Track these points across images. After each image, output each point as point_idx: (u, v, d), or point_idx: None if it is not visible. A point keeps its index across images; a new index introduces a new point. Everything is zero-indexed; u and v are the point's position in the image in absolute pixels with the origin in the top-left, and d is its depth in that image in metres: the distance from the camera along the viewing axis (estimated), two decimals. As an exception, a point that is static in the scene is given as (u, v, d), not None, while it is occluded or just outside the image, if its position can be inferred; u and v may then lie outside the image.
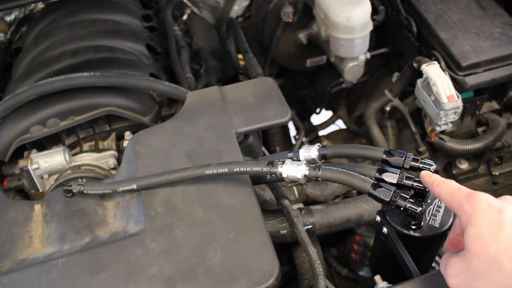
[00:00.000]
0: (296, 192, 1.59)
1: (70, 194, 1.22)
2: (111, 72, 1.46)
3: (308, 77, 2.53)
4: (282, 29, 2.03)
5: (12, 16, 2.10)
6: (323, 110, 2.61)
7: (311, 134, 2.51)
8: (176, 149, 1.27)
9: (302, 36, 2.03)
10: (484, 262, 0.72)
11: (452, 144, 1.66)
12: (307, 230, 1.33)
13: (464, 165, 1.84)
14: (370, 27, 1.77)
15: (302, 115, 2.65)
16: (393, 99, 1.84)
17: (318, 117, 2.66)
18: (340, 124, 2.52)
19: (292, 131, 2.68)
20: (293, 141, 2.50)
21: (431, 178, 0.87)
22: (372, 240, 1.79)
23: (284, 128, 2.47)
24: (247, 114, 1.36)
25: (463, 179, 1.86)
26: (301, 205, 1.62)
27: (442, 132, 1.69)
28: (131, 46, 1.75)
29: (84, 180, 1.23)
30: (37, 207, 1.28)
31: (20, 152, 1.47)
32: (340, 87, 2.22)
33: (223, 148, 1.27)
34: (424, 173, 0.90)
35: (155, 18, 2.07)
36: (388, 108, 1.88)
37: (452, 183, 0.84)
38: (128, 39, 1.76)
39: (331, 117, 2.46)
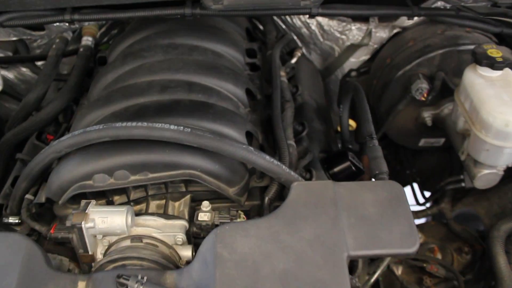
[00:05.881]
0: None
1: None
2: (203, 130, 1.18)
3: (412, 151, 2.16)
4: (406, 103, 1.68)
5: (105, 19, 1.87)
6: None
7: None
8: (269, 263, 0.97)
9: (427, 116, 1.68)
10: None
11: None
12: None
13: None
14: (528, 137, 1.39)
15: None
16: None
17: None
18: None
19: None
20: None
21: None
22: None
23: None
24: (365, 232, 1.04)
25: None
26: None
27: None
28: (229, 89, 1.47)
29: (145, 279, 0.95)
30: (82, 285, 1.03)
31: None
32: (459, 185, 1.82)
33: (329, 277, 0.96)
34: None
35: (260, 54, 1.78)
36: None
37: None
38: (228, 79, 1.48)
39: (430, 207, 2.07)
